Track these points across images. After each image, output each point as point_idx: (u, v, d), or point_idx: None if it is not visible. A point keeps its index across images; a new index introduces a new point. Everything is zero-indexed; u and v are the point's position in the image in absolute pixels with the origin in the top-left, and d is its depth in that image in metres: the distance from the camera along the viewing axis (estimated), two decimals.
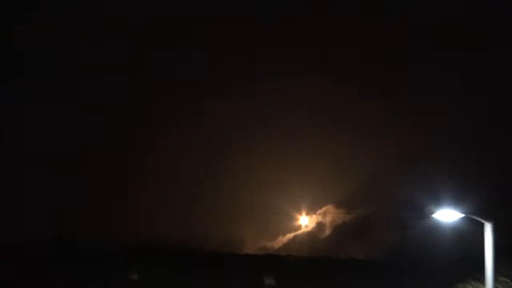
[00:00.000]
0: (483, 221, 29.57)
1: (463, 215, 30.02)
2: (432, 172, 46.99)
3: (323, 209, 58.81)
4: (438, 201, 30.81)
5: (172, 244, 51.77)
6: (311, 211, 58.88)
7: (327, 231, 58.09)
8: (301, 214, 58.62)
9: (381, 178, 52.95)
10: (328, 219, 58.14)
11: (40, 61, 59.20)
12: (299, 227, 59.13)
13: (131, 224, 55.18)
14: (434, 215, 30.47)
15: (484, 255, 29.27)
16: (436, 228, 35.11)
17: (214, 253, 52.75)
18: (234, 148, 59.35)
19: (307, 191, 56.76)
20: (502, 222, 30.18)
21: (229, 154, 59.15)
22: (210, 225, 57.16)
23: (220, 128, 59.78)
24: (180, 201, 57.72)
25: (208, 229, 57.05)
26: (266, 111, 60.12)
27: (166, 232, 54.13)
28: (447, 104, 54.32)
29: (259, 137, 59.21)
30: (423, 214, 32.83)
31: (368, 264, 49.87)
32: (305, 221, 58.68)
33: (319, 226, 58.41)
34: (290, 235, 59.13)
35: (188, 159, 59.63)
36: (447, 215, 30.37)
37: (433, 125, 55.36)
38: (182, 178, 58.64)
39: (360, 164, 55.41)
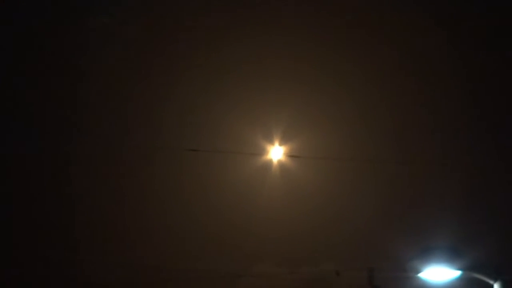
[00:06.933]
0: (489, 280, 22.01)
1: (460, 272, 22.44)
2: (419, 217, 37.31)
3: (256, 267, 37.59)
4: (426, 255, 23.22)
5: None
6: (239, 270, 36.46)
7: None
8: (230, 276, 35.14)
9: (342, 221, 36.88)
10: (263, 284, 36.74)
11: None
12: None
13: None
14: (420, 274, 23.14)
15: None
16: None
17: None
18: None
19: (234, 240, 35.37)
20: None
21: None
22: None
23: None
24: None
25: None
26: None
27: None
28: None
29: None
30: (406, 271, 24.78)
31: None
32: None
33: None
34: None
35: None
36: (438, 274, 22.90)
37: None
38: None
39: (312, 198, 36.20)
